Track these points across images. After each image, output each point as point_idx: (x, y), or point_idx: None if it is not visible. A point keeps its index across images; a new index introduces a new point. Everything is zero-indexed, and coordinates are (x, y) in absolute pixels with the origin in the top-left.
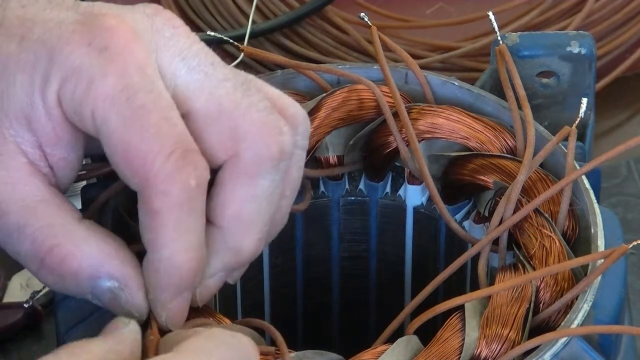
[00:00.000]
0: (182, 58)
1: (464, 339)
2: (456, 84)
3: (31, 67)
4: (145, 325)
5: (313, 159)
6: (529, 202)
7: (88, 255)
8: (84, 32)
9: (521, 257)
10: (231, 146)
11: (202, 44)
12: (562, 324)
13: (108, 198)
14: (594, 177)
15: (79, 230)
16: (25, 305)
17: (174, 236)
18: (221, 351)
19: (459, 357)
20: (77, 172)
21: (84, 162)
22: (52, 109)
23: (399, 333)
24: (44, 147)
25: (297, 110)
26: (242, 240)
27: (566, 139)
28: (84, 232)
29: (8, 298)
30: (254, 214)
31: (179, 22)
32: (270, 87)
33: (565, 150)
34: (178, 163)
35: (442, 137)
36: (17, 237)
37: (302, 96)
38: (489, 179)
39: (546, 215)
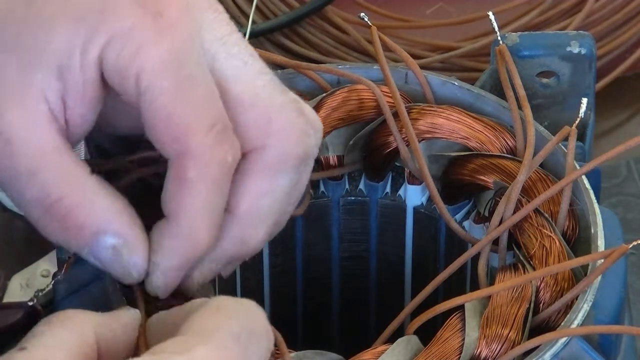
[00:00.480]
0: (222, 43)
1: (464, 339)
2: (456, 84)
3: (77, 18)
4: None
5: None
6: (529, 202)
7: (98, 209)
8: None
9: (521, 257)
10: (260, 138)
11: (240, 34)
12: (562, 324)
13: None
14: (594, 177)
15: (90, 184)
16: (29, 303)
17: (200, 208)
18: (234, 323)
19: (459, 357)
20: (84, 135)
21: (85, 159)
22: (89, 64)
23: (399, 333)
24: (67, 99)
25: (315, 117)
26: (251, 232)
27: (566, 139)
28: (96, 187)
29: (8, 298)
30: (268, 209)
31: (220, 7)
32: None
33: (565, 150)
34: (219, 137)
35: (442, 137)
36: (26, 182)
37: (302, 96)
38: (489, 179)
39: (546, 215)
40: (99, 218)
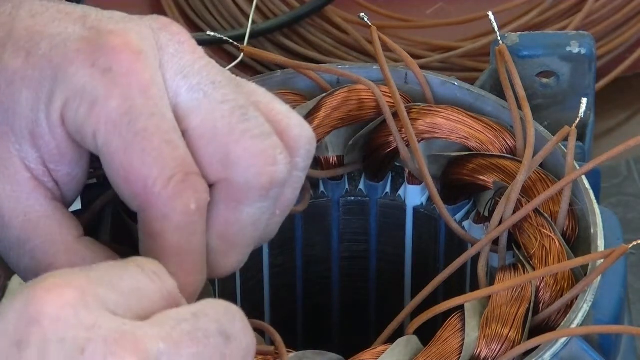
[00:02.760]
0: (184, 76)
1: (463, 339)
2: (456, 84)
3: (36, 84)
4: None
5: (313, 159)
6: (528, 202)
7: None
8: (88, 52)
9: (521, 257)
10: (222, 170)
11: (207, 59)
12: (562, 324)
13: (108, 200)
14: (594, 177)
15: (77, 250)
16: None
17: (176, 260)
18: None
19: (459, 357)
20: (83, 186)
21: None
22: (55, 127)
23: (399, 333)
24: (48, 163)
25: (302, 131)
26: (219, 259)
27: (566, 139)
28: (82, 252)
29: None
30: (238, 238)
31: (185, 36)
32: (279, 104)
33: (565, 150)
34: (178, 187)
35: (441, 137)
36: (17, 252)
37: (302, 96)
38: (489, 179)
39: (546, 215)
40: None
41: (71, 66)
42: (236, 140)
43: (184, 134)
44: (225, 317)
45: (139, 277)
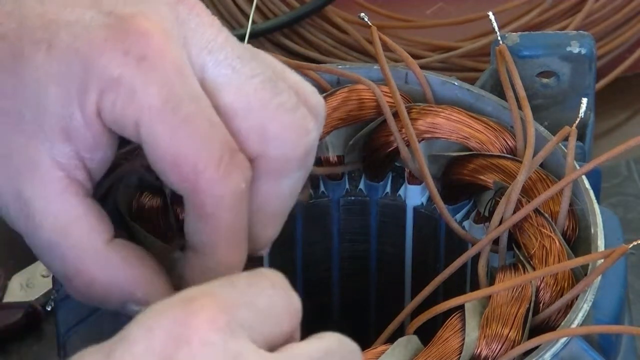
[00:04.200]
0: (209, 51)
1: (464, 339)
2: (456, 84)
3: (65, 79)
4: None
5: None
6: (529, 202)
7: (115, 282)
8: (117, 40)
9: (521, 257)
10: (259, 145)
11: (227, 32)
12: (562, 324)
13: (112, 184)
14: (594, 177)
15: (107, 255)
16: (47, 309)
17: (228, 239)
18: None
19: (459, 357)
20: (110, 163)
21: None
22: (91, 120)
23: (399, 333)
24: (83, 154)
25: (318, 99)
26: (260, 232)
27: (566, 139)
28: (113, 257)
29: (8, 298)
30: (277, 209)
31: (201, 8)
32: (292, 73)
33: (565, 150)
34: (228, 168)
35: (442, 137)
36: (49, 254)
37: None
38: (489, 179)
39: (546, 215)
40: (119, 290)
41: (101, 57)
42: (272, 116)
43: (216, 110)
44: (352, 354)
45: (271, 293)
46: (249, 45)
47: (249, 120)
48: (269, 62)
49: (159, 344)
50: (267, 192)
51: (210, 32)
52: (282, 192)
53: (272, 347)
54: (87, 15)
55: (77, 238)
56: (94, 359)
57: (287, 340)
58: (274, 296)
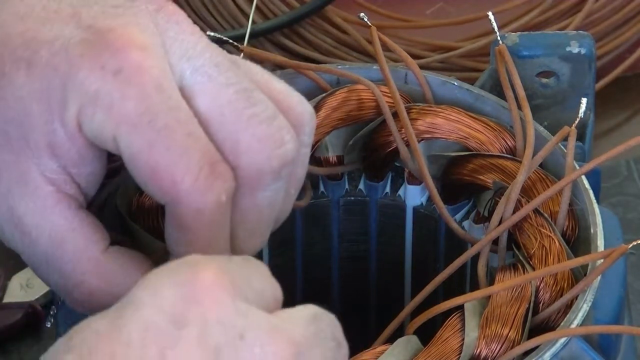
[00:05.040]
0: (187, 58)
1: (463, 339)
2: (456, 84)
3: (46, 96)
4: None
5: (313, 159)
6: (528, 202)
7: (115, 290)
8: (93, 55)
9: (521, 257)
10: (232, 157)
11: (206, 40)
12: (562, 324)
13: (108, 194)
14: (594, 177)
15: (105, 264)
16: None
17: (205, 252)
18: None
19: (459, 357)
20: (102, 177)
21: None
22: (73, 134)
23: (399, 333)
24: (69, 168)
25: (304, 108)
26: (245, 242)
27: (566, 139)
28: (111, 265)
29: (8, 298)
30: (256, 221)
31: (182, 16)
32: (277, 82)
33: (565, 150)
34: (208, 179)
35: (441, 137)
36: (46, 268)
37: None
38: (489, 179)
39: (546, 215)
40: (120, 298)
41: (79, 72)
42: (245, 128)
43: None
44: (334, 323)
45: (263, 279)
46: (228, 54)
47: (222, 130)
48: (251, 71)
49: (169, 305)
50: (245, 204)
51: (189, 39)
52: (259, 205)
53: None
54: (66, 31)
55: (74, 251)
56: (99, 325)
57: None
58: (264, 282)
